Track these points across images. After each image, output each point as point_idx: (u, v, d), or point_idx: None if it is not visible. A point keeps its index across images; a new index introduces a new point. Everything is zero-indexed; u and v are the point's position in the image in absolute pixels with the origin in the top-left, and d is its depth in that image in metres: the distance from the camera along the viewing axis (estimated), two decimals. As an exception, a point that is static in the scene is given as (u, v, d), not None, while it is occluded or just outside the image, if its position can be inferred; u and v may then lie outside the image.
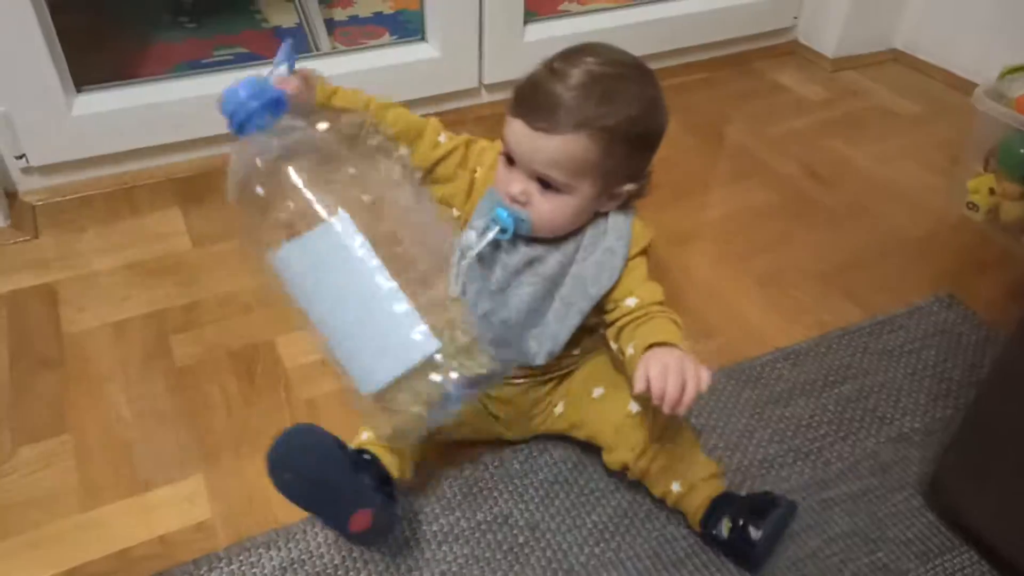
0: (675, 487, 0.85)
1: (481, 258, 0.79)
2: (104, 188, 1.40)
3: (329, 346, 0.72)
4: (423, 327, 0.67)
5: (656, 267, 0.86)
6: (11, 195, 1.35)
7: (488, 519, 0.90)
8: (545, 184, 0.77)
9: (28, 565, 0.84)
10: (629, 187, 0.81)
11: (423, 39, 1.60)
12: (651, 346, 0.75)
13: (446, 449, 0.97)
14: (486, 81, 1.62)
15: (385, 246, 0.69)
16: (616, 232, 0.82)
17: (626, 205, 0.84)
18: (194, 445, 0.97)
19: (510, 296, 0.82)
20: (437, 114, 1.57)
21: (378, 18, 1.99)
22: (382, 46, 1.72)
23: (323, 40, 1.76)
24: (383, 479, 0.81)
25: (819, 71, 1.88)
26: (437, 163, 0.84)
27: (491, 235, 0.77)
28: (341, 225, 0.68)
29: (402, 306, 0.67)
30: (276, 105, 0.72)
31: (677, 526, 0.89)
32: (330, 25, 1.86)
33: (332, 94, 0.81)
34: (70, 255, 1.26)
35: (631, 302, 0.81)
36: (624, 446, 0.86)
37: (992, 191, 1.34)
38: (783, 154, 1.57)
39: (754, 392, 1.05)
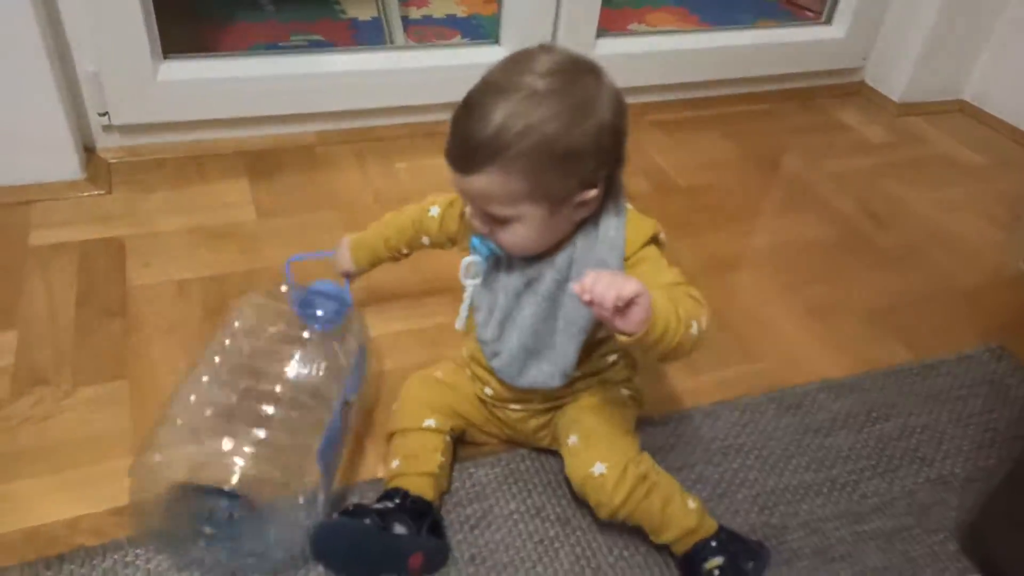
0: (653, 538, 0.86)
1: (487, 285, 0.83)
2: (177, 153, 1.45)
3: None
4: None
5: (696, 285, 0.78)
6: (90, 150, 1.40)
7: (521, 509, 0.91)
8: (495, 218, 0.75)
9: (79, 499, 0.88)
10: (591, 193, 0.74)
11: (496, 42, 1.64)
12: None
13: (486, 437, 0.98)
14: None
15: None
16: (607, 242, 0.77)
17: (615, 203, 0.78)
18: (243, 405, 1.00)
19: (516, 321, 0.82)
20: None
21: (451, 20, 2.03)
22: (455, 46, 1.76)
23: (398, 34, 1.80)
24: (420, 511, 0.82)
25: (883, 114, 1.88)
26: (441, 229, 0.94)
27: (472, 258, 0.80)
28: None
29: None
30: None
31: (708, 539, 0.89)
32: (404, 23, 1.91)
33: (362, 259, 1.01)
34: (139, 213, 1.31)
35: None
36: (592, 499, 0.84)
37: (1053, 248, 1.33)
38: (840, 191, 1.57)
39: (794, 419, 1.05)
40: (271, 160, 1.46)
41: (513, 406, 0.91)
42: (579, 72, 0.72)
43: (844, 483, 0.98)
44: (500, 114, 0.69)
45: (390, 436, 0.92)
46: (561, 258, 0.79)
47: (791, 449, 1.01)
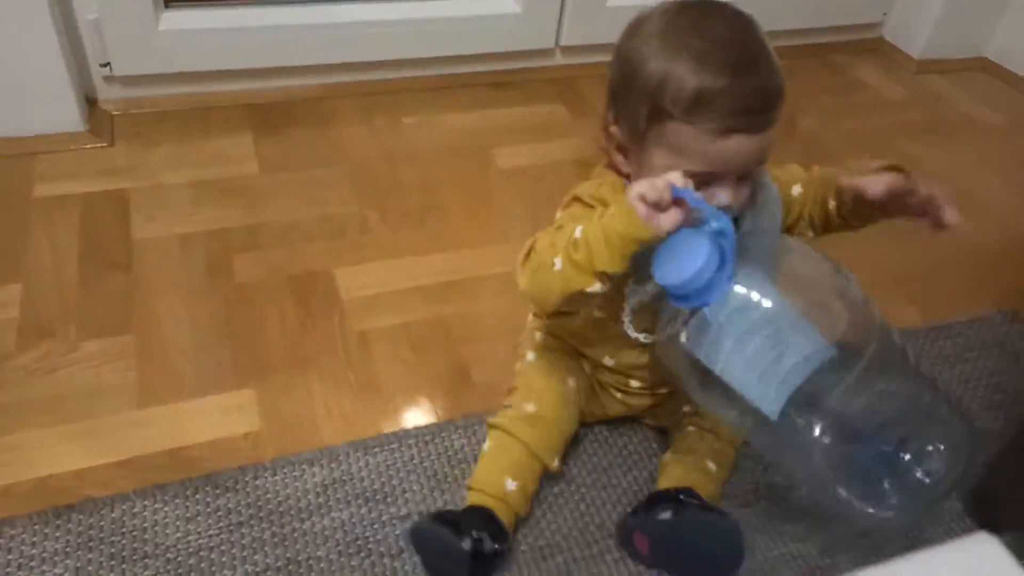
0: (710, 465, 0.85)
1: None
2: (181, 106, 1.43)
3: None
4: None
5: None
6: (91, 102, 1.38)
7: (526, 467, 0.91)
8: (742, 176, 0.70)
9: (85, 451, 0.88)
10: None
11: (508, -6, 1.59)
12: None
13: (488, 393, 0.98)
14: (563, 43, 1.61)
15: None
16: (764, 184, 0.76)
17: None
18: (247, 359, 1.00)
19: None
20: (506, 72, 1.60)
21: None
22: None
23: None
24: (496, 533, 0.78)
25: (902, 72, 1.83)
26: None
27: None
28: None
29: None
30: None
31: (712, 498, 0.89)
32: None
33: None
34: (142, 166, 1.30)
35: (797, 190, 0.80)
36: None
37: (1071, 211, 1.30)
38: (857, 150, 1.53)
39: (802, 380, 1.04)
40: (276, 114, 1.44)
41: (636, 385, 0.88)
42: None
43: (850, 445, 0.97)
44: (775, 60, 0.67)
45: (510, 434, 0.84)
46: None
47: (798, 410, 1.00)
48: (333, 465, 0.89)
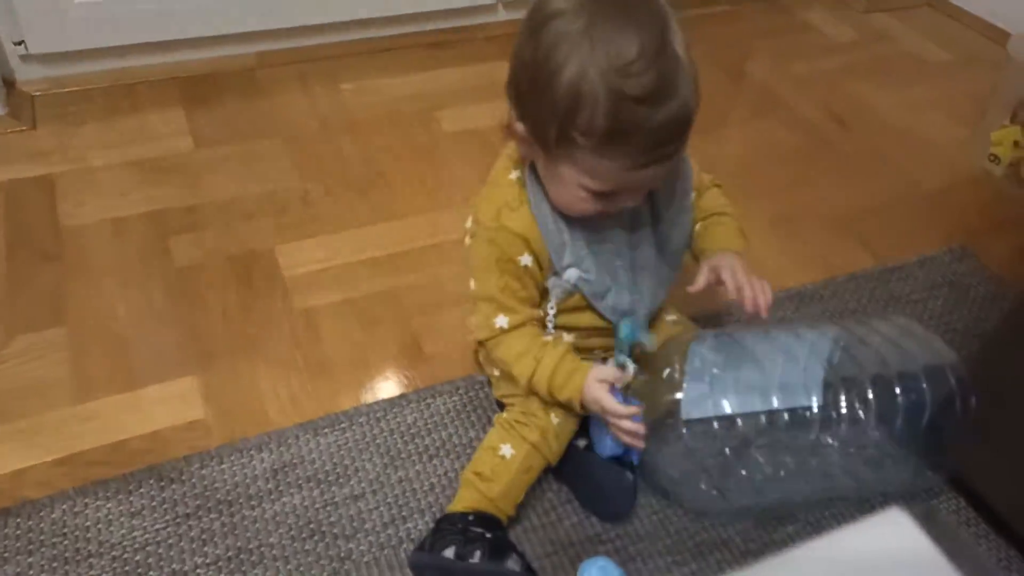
0: None
1: (602, 266, 0.76)
2: (106, 83, 1.36)
3: None
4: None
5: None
6: (9, 84, 1.31)
7: (481, 437, 0.89)
8: None
9: (23, 450, 0.85)
10: None
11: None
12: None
13: (442, 364, 0.96)
14: (506, -4, 1.56)
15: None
16: (679, 174, 0.78)
17: None
18: (189, 346, 0.96)
19: (641, 266, 0.79)
20: (446, 31, 1.55)
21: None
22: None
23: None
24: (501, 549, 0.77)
25: (850, 12, 1.81)
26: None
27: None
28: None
29: None
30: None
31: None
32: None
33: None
34: (68, 148, 1.23)
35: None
36: None
37: (1016, 144, 1.30)
38: (806, 95, 1.52)
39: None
40: (208, 85, 1.38)
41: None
42: None
43: (805, 393, 0.97)
44: (689, 71, 0.63)
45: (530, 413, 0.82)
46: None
47: (752, 362, 1.00)
48: (282, 449, 0.87)
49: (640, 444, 0.75)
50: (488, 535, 0.76)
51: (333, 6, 1.44)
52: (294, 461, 0.86)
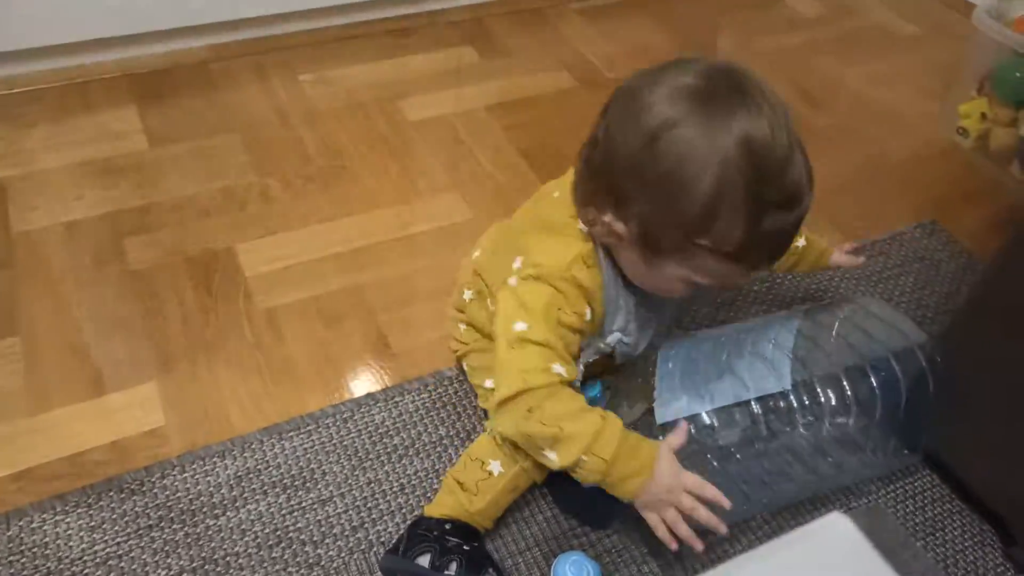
0: None
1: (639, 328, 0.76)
2: (56, 82, 1.31)
3: None
4: None
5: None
6: (-46, 85, 1.27)
7: (451, 434, 0.88)
8: None
9: (-26, 467, 0.82)
10: None
11: (400, -68, 1.50)
12: None
13: (409, 361, 0.94)
14: (468, -21, 1.53)
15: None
16: None
17: None
18: (148, 351, 0.94)
19: (652, 324, 0.79)
20: (407, 16, 1.51)
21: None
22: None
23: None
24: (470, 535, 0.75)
25: (817, -15, 1.79)
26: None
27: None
28: None
29: None
30: None
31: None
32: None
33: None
34: (19, 151, 1.19)
35: (801, 243, 0.90)
36: None
37: (984, 116, 1.30)
38: (774, 71, 1.50)
39: (728, 314, 1.03)
40: (161, 81, 1.33)
41: None
42: None
43: (777, 375, 0.97)
44: (808, 170, 0.64)
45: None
46: None
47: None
48: (247, 455, 0.84)
49: (722, 530, 0.67)
50: (465, 547, 0.73)
51: (288, -6, 1.40)
52: (258, 467, 0.84)
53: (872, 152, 1.34)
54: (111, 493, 0.80)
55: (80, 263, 1.03)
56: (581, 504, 0.81)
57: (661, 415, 0.74)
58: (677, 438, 0.68)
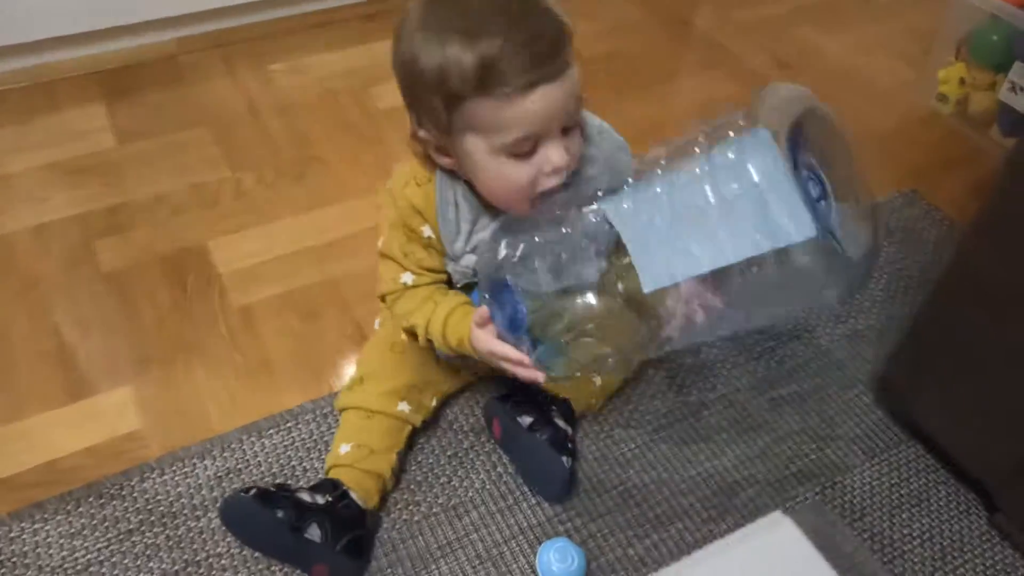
0: None
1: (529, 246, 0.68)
2: (20, 81, 1.29)
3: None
4: None
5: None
6: (-85, 89, 1.24)
7: (433, 424, 0.87)
8: (565, 128, 0.67)
9: (-51, 480, 0.81)
10: None
11: (366, -86, 1.46)
12: None
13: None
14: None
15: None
16: (604, 134, 0.75)
17: None
18: (121, 354, 0.92)
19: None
20: (377, 1, 1.48)
21: None
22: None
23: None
24: (348, 522, 0.74)
25: (793, -47, 1.77)
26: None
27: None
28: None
29: None
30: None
31: (625, 428, 0.88)
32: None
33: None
34: (-16, 154, 1.17)
35: None
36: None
37: (963, 81, 1.29)
38: (752, 43, 1.49)
39: (709, 292, 1.02)
40: (128, 77, 1.31)
41: None
42: None
43: (760, 352, 0.96)
44: (545, 3, 0.64)
45: (343, 409, 0.82)
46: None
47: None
48: (226, 455, 0.83)
49: (538, 378, 0.68)
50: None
51: (256, -18, 1.37)
52: (239, 466, 0.83)
53: (852, 120, 1.29)
54: (90, 499, 0.80)
55: (51, 267, 1.02)
56: (534, 480, 0.83)
57: (647, 285, 0.63)
58: (479, 315, 0.69)
